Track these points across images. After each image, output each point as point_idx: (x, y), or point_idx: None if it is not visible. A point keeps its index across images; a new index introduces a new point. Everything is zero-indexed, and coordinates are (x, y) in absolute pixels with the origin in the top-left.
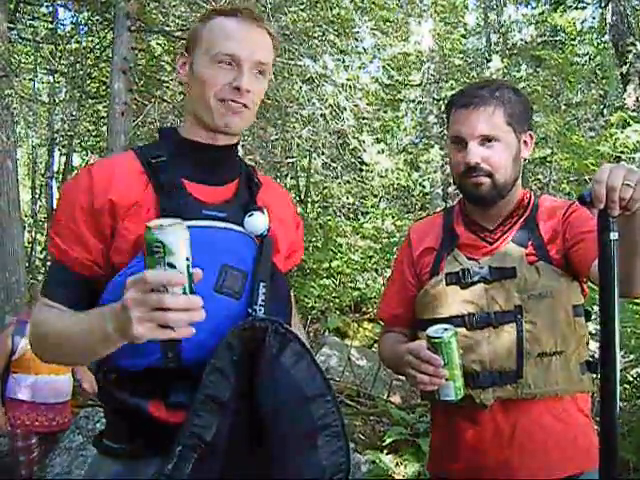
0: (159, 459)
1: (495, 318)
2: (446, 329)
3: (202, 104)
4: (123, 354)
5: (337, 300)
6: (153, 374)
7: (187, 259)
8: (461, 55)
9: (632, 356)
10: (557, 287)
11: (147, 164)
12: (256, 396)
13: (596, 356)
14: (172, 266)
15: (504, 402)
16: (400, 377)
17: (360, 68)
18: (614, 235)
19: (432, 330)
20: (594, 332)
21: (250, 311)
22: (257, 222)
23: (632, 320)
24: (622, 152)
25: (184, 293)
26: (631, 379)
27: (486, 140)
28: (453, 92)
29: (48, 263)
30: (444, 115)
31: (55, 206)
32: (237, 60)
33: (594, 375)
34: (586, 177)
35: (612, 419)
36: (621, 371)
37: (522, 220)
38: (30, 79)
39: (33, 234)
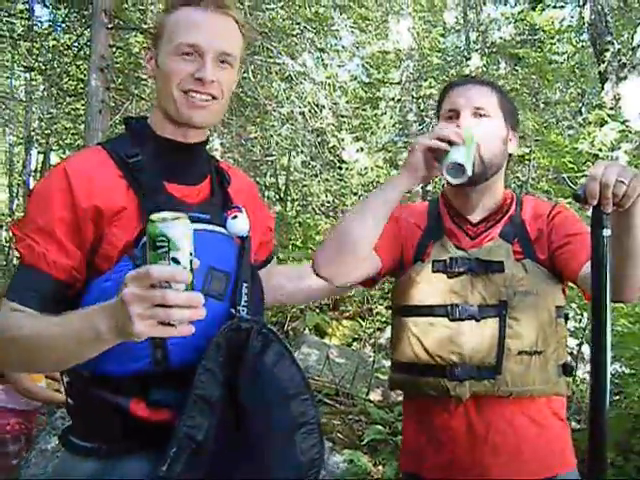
0: (137, 457)
1: (479, 311)
2: None
3: (167, 97)
4: (110, 359)
5: None
6: (138, 376)
7: (190, 254)
8: (440, 53)
9: (611, 353)
10: (542, 286)
11: (123, 164)
12: (240, 394)
13: (578, 353)
14: (176, 261)
15: (479, 400)
16: (380, 375)
17: (339, 66)
18: (607, 232)
19: None
20: (572, 330)
21: (234, 312)
22: (241, 225)
23: (611, 317)
24: (600, 150)
25: (186, 290)
26: (610, 376)
27: (479, 114)
28: (432, 90)
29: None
30: (423, 113)
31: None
32: (199, 50)
33: (569, 379)
34: (564, 175)
35: (601, 421)
36: None
37: (507, 217)
38: (7, 76)
39: (10, 233)
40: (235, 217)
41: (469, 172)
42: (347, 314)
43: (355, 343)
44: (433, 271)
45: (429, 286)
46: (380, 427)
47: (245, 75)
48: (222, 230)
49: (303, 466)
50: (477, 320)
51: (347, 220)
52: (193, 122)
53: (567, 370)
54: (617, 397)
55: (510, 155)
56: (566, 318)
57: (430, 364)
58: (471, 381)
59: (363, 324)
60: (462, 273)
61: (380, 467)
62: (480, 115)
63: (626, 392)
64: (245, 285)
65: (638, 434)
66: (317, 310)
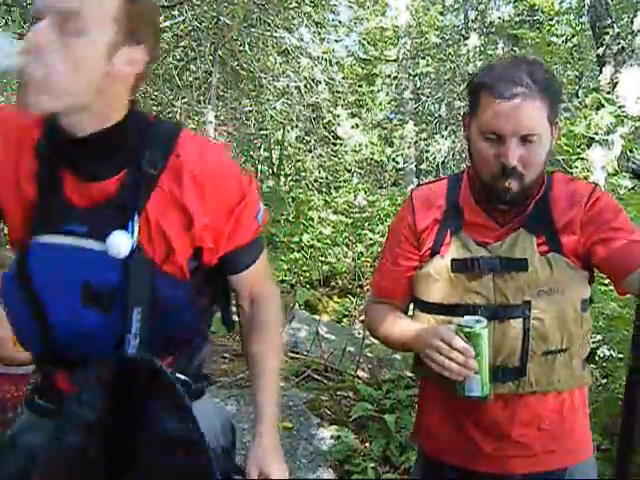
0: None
1: (502, 312)
2: (479, 321)
3: None
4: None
5: (307, 274)
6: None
7: None
8: (438, 32)
9: (599, 336)
10: (568, 282)
11: (37, 154)
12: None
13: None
14: None
15: (504, 396)
16: (368, 353)
17: (336, 41)
18: None
19: (464, 320)
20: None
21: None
22: (116, 244)
23: (600, 300)
24: (596, 133)
25: None
26: (597, 359)
27: (527, 140)
28: (429, 68)
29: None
30: (419, 91)
31: None
32: None
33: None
34: (559, 157)
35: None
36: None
37: (534, 202)
38: None
39: None
40: (111, 235)
41: (488, 392)
42: (338, 290)
43: (345, 319)
44: (453, 270)
45: (449, 285)
46: (368, 404)
47: (241, 48)
48: (100, 247)
49: None
50: (500, 321)
51: (381, 331)
52: (28, 107)
53: (589, 357)
54: (605, 380)
55: None
56: (590, 302)
57: None
58: (495, 383)
59: (353, 301)
60: (484, 273)
61: (367, 444)
62: (529, 141)
63: (614, 376)
64: (137, 311)
65: None
66: (308, 286)
